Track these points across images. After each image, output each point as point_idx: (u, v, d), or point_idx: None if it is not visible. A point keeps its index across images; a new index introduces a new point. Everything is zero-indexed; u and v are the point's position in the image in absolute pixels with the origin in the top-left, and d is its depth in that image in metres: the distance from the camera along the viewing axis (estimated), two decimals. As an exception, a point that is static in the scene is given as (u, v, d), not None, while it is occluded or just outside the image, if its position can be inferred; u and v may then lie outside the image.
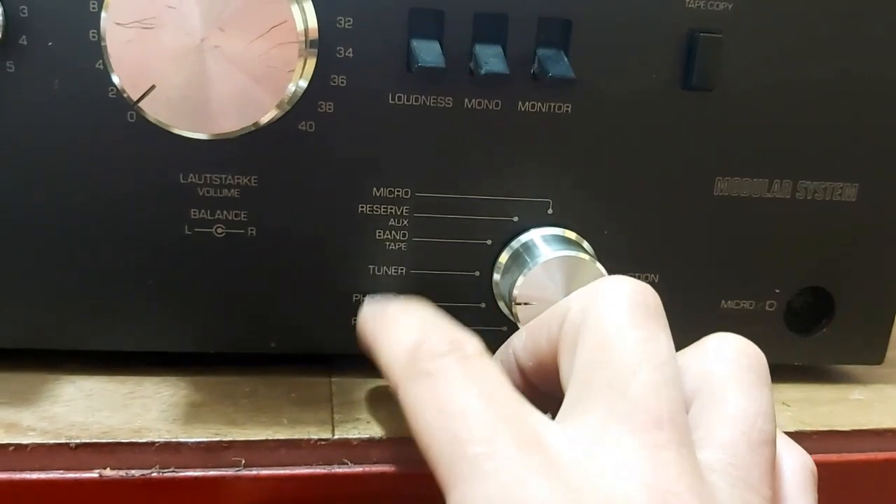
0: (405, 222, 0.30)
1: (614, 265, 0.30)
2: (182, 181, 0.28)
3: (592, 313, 0.22)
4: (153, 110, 0.24)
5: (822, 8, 0.30)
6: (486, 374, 0.22)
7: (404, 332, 0.24)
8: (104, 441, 0.25)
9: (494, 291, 0.31)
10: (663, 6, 0.29)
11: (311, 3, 0.26)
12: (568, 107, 0.29)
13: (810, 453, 0.24)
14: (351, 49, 0.28)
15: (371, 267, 0.30)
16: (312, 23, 0.26)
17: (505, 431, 0.20)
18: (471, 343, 0.23)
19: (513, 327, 0.30)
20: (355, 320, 0.30)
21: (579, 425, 0.21)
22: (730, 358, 0.23)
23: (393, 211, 0.30)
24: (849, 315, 0.33)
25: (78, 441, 0.25)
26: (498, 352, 0.27)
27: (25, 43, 0.27)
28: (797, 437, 0.26)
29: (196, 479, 0.25)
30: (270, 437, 0.26)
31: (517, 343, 0.26)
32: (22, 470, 0.25)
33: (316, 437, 0.26)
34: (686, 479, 0.19)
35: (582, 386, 0.22)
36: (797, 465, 0.23)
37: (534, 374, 0.25)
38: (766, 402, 0.22)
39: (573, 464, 0.20)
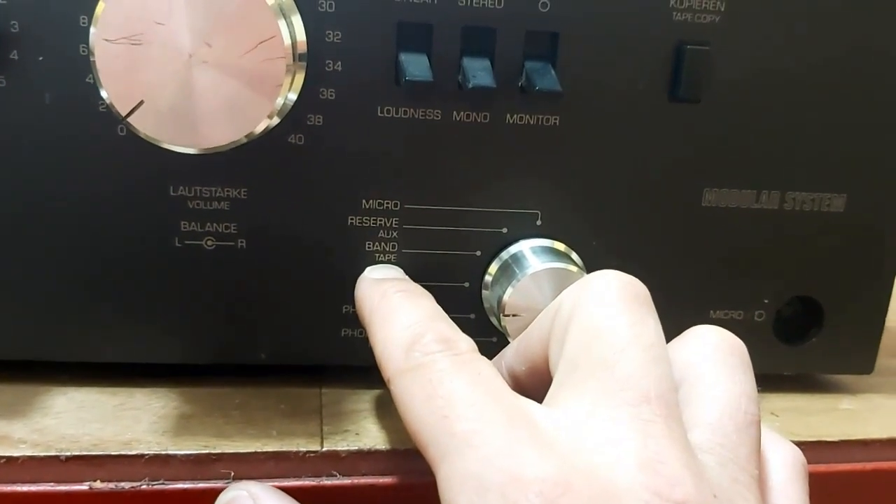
0: (395, 234, 0.30)
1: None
2: (172, 194, 0.28)
3: (581, 303, 0.23)
4: (142, 125, 0.24)
5: (810, 20, 0.30)
6: (476, 367, 0.22)
7: (400, 328, 0.24)
8: (94, 453, 0.26)
9: (484, 302, 0.31)
10: (651, 19, 0.29)
11: (299, 17, 0.26)
12: (556, 119, 0.29)
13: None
14: (340, 63, 0.28)
15: (361, 279, 0.30)
16: (301, 36, 0.26)
17: (492, 408, 0.20)
18: (464, 341, 0.23)
19: (502, 338, 0.31)
20: (346, 330, 0.31)
21: (568, 403, 0.21)
22: (712, 345, 0.24)
23: (382, 223, 0.30)
24: (838, 325, 0.33)
25: (68, 453, 0.25)
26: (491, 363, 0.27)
27: (16, 58, 0.27)
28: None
29: (185, 491, 0.26)
30: (259, 450, 0.26)
31: (509, 352, 0.27)
32: (13, 482, 0.25)
33: (305, 449, 0.27)
34: (675, 450, 0.19)
35: (570, 367, 0.22)
36: (788, 457, 0.24)
37: (527, 379, 0.25)
38: (749, 385, 0.23)
39: (561, 436, 0.20)
